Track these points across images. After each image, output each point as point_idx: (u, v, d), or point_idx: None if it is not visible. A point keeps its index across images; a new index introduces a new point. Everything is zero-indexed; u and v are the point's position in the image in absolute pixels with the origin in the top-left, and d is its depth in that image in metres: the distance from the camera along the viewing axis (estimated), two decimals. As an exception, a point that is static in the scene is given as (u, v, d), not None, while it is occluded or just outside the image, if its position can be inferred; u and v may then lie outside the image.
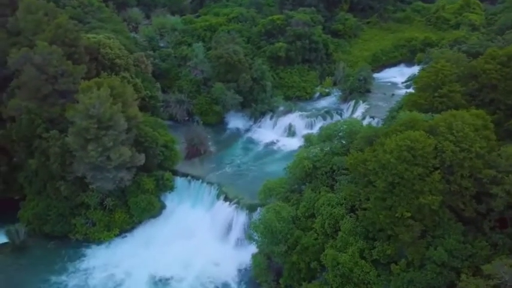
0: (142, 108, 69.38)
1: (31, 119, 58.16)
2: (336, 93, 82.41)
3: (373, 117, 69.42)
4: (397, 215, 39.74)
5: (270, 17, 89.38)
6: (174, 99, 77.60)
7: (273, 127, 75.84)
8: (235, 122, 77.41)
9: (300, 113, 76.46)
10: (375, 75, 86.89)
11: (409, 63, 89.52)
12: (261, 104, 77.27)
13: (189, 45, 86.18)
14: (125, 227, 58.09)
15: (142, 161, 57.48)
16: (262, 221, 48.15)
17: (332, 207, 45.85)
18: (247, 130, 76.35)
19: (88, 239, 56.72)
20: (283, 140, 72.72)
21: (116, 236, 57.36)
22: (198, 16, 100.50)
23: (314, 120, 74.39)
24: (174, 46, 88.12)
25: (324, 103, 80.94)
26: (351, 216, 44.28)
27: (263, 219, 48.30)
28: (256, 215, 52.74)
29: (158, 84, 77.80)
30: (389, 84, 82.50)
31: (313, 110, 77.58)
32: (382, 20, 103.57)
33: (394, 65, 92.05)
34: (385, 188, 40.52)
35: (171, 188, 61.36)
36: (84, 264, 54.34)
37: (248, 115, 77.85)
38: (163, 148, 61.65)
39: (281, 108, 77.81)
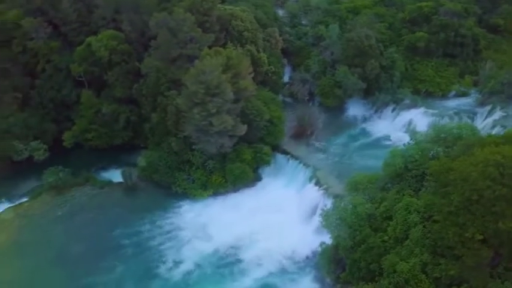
0: (263, 82, 72.35)
1: (158, 78, 64.75)
2: (474, 95, 74.32)
3: (504, 127, 61.35)
4: (467, 234, 35.75)
5: (419, 4, 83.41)
6: (299, 78, 78.42)
7: (393, 120, 71.99)
8: (355, 108, 75.29)
9: (425, 109, 70.97)
10: (530, 81, 75.74)
11: None
12: (385, 94, 73.76)
13: (327, 25, 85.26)
14: (220, 190, 61.82)
15: (243, 132, 60.03)
16: (336, 212, 47.24)
17: (409, 212, 42.99)
18: (365, 119, 73.78)
19: (186, 193, 61.87)
20: (399, 136, 68.33)
21: (210, 196, 61.49)
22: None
23: (439, 120, 68.13)
24: (313, 25, 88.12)
25: (457, 103, 73.65)
26: (424, 226, 40.98)
27: (337, 210, 47.37)
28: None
29: (285, 61, 79.47)
30: (542, 93, 71.39)
31: (442, 109, 71.24)
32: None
33: (560, 72, 78.64)
34: (460, 203, 36.59)
35: (267, 163, 63.17)
36: (177, 213, 60.08)
37: (370, 103, 75.08)
38: (268, 123, 63.40)
39: (406, 102, 73.08)
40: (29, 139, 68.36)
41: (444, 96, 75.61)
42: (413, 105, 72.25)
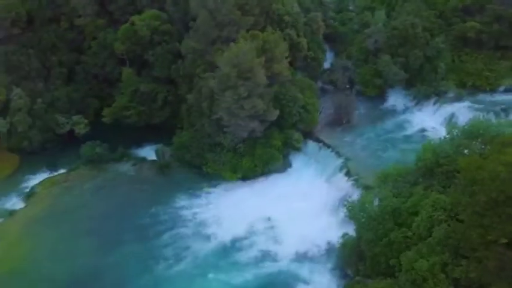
0: (301, 68, 71.41)
1: (194, 59, 65.22)
2: (527, 90, 69.96)
3: (552, 125, 57.35)
4: (491, 237, 33.94)
5: (473, -9, 78.95)
6: (340, 65, 76.65)
7: (434, 113, 68.88)
8: (395, 99, 72.65)
9: (469, 104, 67.54)
10: None
11: None
12: (428, 86, 70.61)
13: (375, 11, 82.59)
14: (248, 174, 61.89)
15: (275, 117, 59.62)
16: (359, 204, 46.26)
17: (435, 209, 41.27)
18: (405, 111, 70.88)
19: (215, 175, 62.42)
20: (440, 130, 65.11)
21: (238, 179, 61.74)
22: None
23: (484, 116, 64.57)
24: (360, 11, 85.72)
25: (506, 99, 69.36)
26: (449, 225, 39.31)
27: (361, 201, 46.36)
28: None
29: (326, 47, 77.94)
30: None
31: (488, 104, 67.53)
32: None
33: None
34: (486, 204, 34.67)
35: (298, 149, 62.64)
36: (204, 194, 61.19)
37: (411, 95, 72.21)
38: (301, 109, 62.59)
39: (450, 95, 69.85)
40: (71, 113, 71.07)
41: (493, 90, 71.28)
42: (457, 99, 68.87)
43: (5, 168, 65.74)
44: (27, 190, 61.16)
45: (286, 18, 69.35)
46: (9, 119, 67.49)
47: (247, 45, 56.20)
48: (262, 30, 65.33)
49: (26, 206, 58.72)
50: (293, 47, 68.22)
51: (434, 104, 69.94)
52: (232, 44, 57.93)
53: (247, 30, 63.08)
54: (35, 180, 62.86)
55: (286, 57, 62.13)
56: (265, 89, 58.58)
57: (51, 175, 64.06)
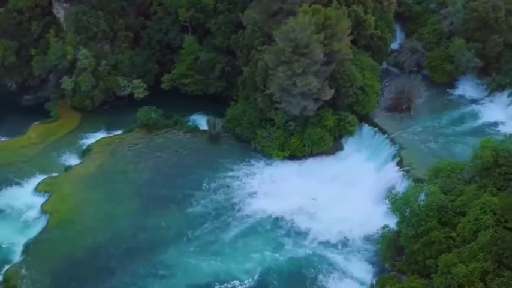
0: (365, 47, 67.88)
1: (253, 31, 63.83)
2: None
3: None
4: (539, 250, 30.72)
5: None
6: (409, 46, 72.15)
7: (507, 106, 63.28)
8: (466, 88, 67.44)
9: (550, 99, 61.42)
10: None
11: None
12: (503, 76, 64.91)
13: (455, -10, 76.42)
14: (296, 153, 60.20)
15: (329, 96, 57.16)
16: (404, 197, 43.64)
17: (483, 212, 38.12)
18: (474, 101, 65.57)
19: (263, 151, 61.39)
20: (510, 125, 60.42)
21: (285, 157, 60.28)
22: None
23: None
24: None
25: None
26: (495, 231, 36.09)
27: (406, 195, 43.72)
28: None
29: (397, 27, 73.48)
30: None
31: None
32: None
33: None
34: (539, 213, 31.29)
35: (351, 133, 59.82)
36: (250, 169, 60.25)
37: (484, 85, 66.74)
38: (358, 91, 59.56)
39: (528, 87, 63.82)
40: (132, 77, 72.48)
41: None
42: (536, 92, 62.88)
43: (67, 124, 68.68)
44: (84, 148, 63.61)
45: (354, -7, 65.80)
46: (74, 78, 70.10)
47: (306, 19, 53.85)
48: (327, 4, 62.48)
49: (80, 163, 61.08)
50: (358, 24, 64.88)
51: (509, 96, 64.13)
52: (291, 17, 55.84)
53: (311, 4, 60.50)
54: (92, 138, 64.98)
55: (349, 35, 59.08)
56: (322, 66, 56.17)
57: (107, 135, 66.09)
